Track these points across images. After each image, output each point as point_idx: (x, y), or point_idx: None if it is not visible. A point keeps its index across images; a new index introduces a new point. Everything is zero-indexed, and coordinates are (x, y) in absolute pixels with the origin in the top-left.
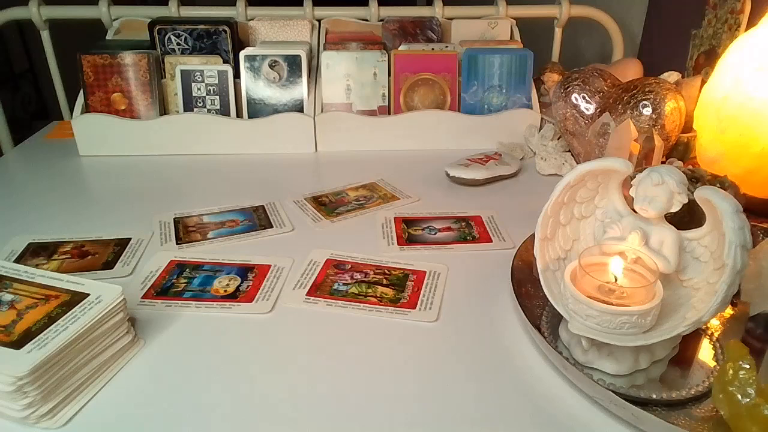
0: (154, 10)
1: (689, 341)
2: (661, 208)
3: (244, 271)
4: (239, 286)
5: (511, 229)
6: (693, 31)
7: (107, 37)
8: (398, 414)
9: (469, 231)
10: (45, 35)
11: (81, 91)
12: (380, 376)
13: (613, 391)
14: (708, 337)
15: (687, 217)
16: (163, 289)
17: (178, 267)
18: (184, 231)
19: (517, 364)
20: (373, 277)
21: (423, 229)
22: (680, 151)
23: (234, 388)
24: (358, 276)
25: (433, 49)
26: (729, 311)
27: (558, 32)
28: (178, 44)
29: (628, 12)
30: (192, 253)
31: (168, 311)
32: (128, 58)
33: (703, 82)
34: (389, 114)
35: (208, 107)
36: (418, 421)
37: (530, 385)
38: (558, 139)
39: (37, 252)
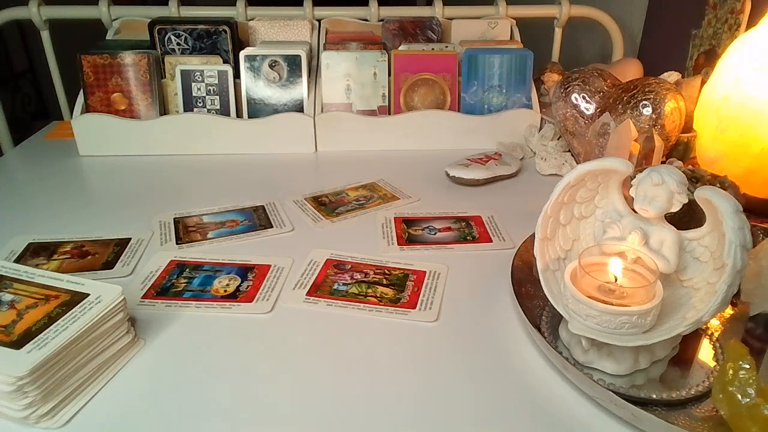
0: (154, 10)
1: (689, 341)
2: (661, 208)
3: (244, 271)
4: (239, 286)
5: (511, 229)
6: (693, 31)
7: (107, 37)
8: (398, 414)
9: (469, 231)
10: (45, 35)
11: (81, 91)
12: (380, 376)
13: (613, 391)
14: (708, 337)
15: (687, 217)
16: (163, 289)
17: (178, 267)
18: (184, 231)
19: (517, 364)
20: (373, 277)
21: (423, 229)
22: (680, 151)
23: (234, 388)
24: (358, 276)
25: (433, 49)
26: (729, 311)
27: (558, 32)
28: (178, 44)
29: (628, 12)
30: (192, 253)
31: (168, 311)
32: (128, 58)
33: (703, 82)
34: (389, 114)
35: (208, 107)
36: (418, 421)
37: (530, 385)
38: (558, 139)
39: (37, 252)
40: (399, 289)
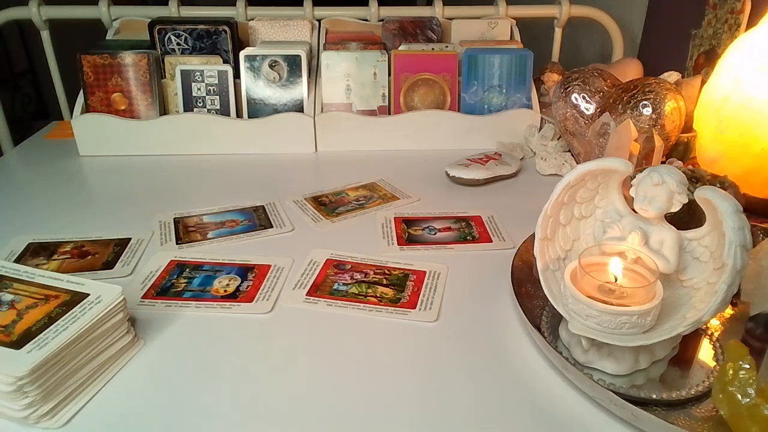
0: (154, 10)
1: (689, 341)
2: (661, 208)
3: (244, 271)
4: (239, 286)
5: (511, 229)
6: (693, 31)
7: (107, 37)
8: (398, 414)
9: (469, 231)
10: (45, 35)
11: (81, 91)
12: (380, 376)
13: (613, 391)
14: (708, 337)
15: (687, 217)
16: (163, 289)
17: (178, 267)
18: (184, 231)
19: (517, 364)
20: (373, 277)
21: (423, 229)
22: (680, 151)
23: (234, 388)
24: (358, 276)
25: (433, 49)
26: (729, 311)
27: (558, 32)
28: (178, 44)
29: (628, 12)
30: (192, 253)
31: (168, 311)
32: (128, 58)
33: (703, 82)
34: (389, 114)
35: (208, 107)
36: (418, 421)
37: (530, 385)
38: (558, 139)
39: (37, 252)
40: (399, 289)
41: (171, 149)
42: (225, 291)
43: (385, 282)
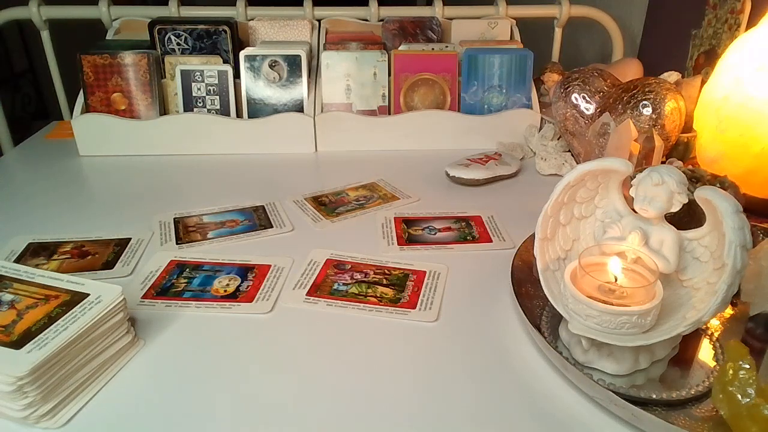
0: (154, 10)
1: (689, 341)
2: (661, 208)
3: (244, 271)
4: (239, 286)
5: (511, 229)
6: (693, 31)
7: (107, 37)
8: (398, 414)
9: (469, 231)
10: (45, 35)
11: (81, 91)
12: (380, 376)
13: (613, 391)
14: (708, 337)
15: (687, 217)
16: (163, 289)
17: (178, 267)
18: (184, 231)
19: (517, 364)
20: (373, 277)
21: (423, 229)
22: (680, 151)
23: (234, 388)
24: (358, 276)
25: (433, 49)
26: (729, 311)
27: (558, 32)
28: (178, 44)
29: (628, 12)
30: (192, 253)
31: (168, 311)
32: (128, 58)
33: (703, 82)
34: (389, 114)
35: (208, 107)
36: (418, 421)
37: (530, 385)
38: (558, 139)
39: (37, 252)
40: (399, 289)
41: (171, 149)
42: (225, 291)
43: (385, 282)
